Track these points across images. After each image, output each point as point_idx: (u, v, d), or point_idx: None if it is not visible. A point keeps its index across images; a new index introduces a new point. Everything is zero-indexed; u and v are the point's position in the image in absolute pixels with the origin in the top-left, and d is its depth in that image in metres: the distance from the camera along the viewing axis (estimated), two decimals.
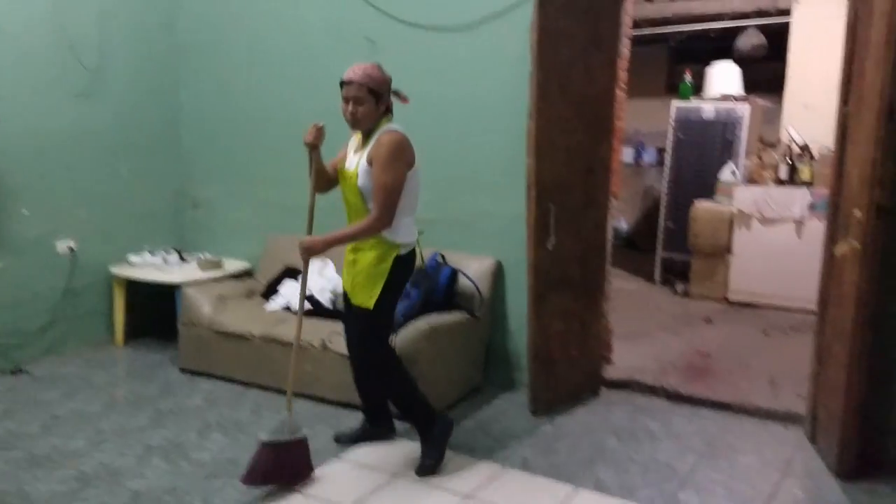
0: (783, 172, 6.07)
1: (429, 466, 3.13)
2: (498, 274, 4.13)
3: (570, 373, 3.99)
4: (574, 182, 3.83)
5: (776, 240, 5.98)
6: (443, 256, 4.00)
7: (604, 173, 4.02)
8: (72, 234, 4.69)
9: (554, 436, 3.57)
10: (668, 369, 4.41)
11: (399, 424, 3.47)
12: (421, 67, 4.12)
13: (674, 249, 6.86)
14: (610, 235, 4.17)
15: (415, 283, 3.72)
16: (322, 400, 3.82)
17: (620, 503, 2.93)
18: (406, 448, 3.33)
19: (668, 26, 7.46)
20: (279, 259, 4.71)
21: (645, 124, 8.18)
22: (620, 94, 4.10)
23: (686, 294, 6.48)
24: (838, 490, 3.08)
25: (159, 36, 5.11)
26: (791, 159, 6.07)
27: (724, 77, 6.90)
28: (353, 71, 2.94)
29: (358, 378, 3.33)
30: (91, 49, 4.68)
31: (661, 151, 7.84)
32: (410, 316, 3.70)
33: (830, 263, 3.38)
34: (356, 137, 3.09)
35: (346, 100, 2.95)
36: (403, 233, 3.03)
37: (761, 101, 6.90)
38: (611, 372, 4.28)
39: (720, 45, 7.42)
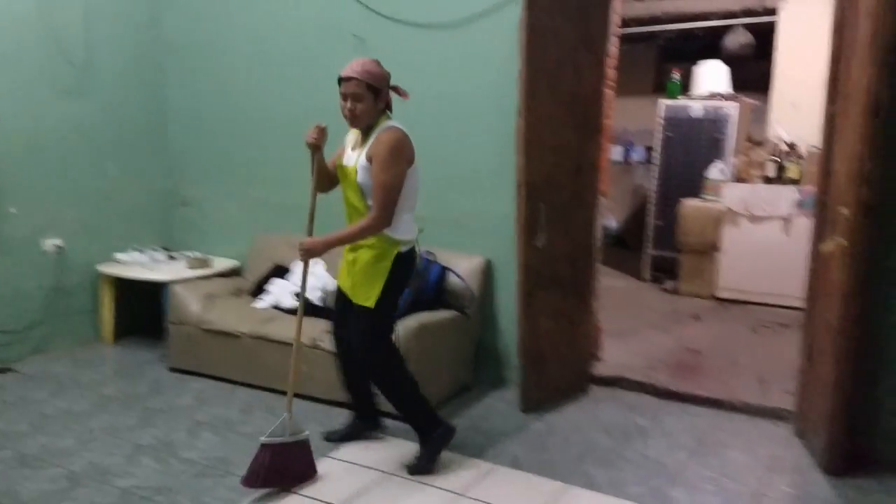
0: (771, 170, 6.12)
1: (422, 467, 3.11)
2: (487, 272, 4.13)
3: (560, 370, 4.00)
4: (563, 180, 3.84)
5: (764, 237, 6.02)
6: (432, 254, 4.00)
7: (592, 172, 4.04)
8: (59, 233, 4.66)
9: (544, 433, 3.58)
10: (658, 366, 4.43)
11: (394, 424, 3.46)
12: (409, 65, 4.06)
13: (663, 247, 6.89)
14: (599, 233, 4.18)
15: None
16: (312, 399, 3.80)
17: (611, 500, 2.94)
18: (397, 447, 3.33)
19: (657, 25, 7.49)
20: (267, 257, 4.70)
21: (633, 123, 8.19)
22: (609, 92, 4.11)
23: (675, 291, 6.51)
24: (826, 486, 3.10)
25: (147, 33, 5.07)
26: (779, 157, 6.11)
27: (711, 76, 6.95)
28: (352, 67, 2.89)
29: (344, 371, 3.32)
30: (78, 46, 4.65)
31: (649, 150, 7.86)
32: (400, 314, 3.69)
33: (818, 261, 3.40)
34: (355, 134, 3.05)
35: (345, 96, 2.90)
36: (403, 230, 3.01)
37: (749, 100, 6.94)
38: (600, 369, 4.29)
39: (708, 44, 7.47)
